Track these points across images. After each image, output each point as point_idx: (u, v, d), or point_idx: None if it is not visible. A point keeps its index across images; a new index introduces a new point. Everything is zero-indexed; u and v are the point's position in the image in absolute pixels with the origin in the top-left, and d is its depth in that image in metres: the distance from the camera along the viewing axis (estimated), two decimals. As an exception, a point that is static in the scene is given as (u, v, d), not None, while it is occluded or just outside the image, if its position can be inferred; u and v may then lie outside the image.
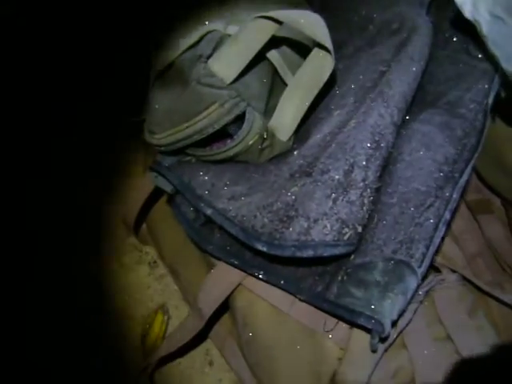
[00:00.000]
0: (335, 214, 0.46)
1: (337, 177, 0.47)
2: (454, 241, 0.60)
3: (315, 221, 0.46)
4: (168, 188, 0.56)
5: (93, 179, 0.80)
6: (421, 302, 0.53)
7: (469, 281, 0.56)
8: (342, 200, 0.47)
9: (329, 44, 0.49)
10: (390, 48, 0.53)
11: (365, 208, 0.47)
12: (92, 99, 0.87)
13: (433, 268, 0.56)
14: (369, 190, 0.48)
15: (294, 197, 0.47)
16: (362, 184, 0.47)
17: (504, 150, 0.59)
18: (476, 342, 0.53)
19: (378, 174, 0.49)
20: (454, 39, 0.57)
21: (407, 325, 0.51)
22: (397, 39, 0.53)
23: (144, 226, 0.73)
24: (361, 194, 0.47)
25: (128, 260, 0.76)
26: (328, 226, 0.46)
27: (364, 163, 0.48)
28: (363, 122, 0.49)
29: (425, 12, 0.55)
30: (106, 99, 0.86)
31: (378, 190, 0.49)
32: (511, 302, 0.54)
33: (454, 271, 0.57)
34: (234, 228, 0.49)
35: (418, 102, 0.54)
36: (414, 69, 0.52)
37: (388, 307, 0.46)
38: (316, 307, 0.50)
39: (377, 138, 0.49)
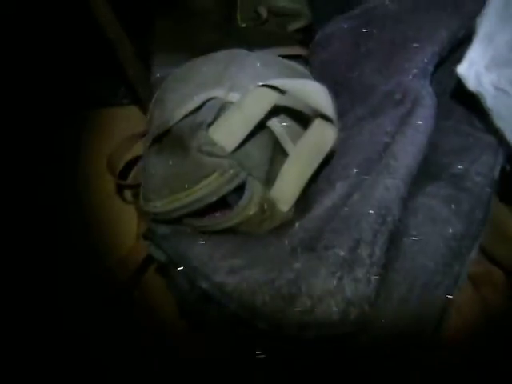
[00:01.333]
0: (340, 292, 0.42)
1: (342, 253, 0.44)
2: (458, 315, 0.57)
3: (319, 299, 0.42)
4: (162, 257, 0.52)
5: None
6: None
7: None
8: (348, 278, 0.43)
9: (332, 114, 0.47)
10: (393, 119, 0.50)
11: (372, 286, 0.43)
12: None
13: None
14: (375, 267, 0.44)
15: (296, 273, 0.44)
16: (368, 261, 0.44)
17: (505, 220, 0.56)
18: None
19: (385, 250, 0.45)
20: (458, 110, 0.55)
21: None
22: (400, 110, 0.51)
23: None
24: (367, 271, 0.43)
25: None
26: (333, 305, 0.42)
27: (370, 239, 0.44)
28: (368, 195, 0.46)
29: (428, 83, 0.53)
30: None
31: (384, 266, 0.45)
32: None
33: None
34: (233, 304, 0.44)
35: (422, 174, 0.51)
36: (419, 141, 0.49)
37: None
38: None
39: (383, 213, 0.45)
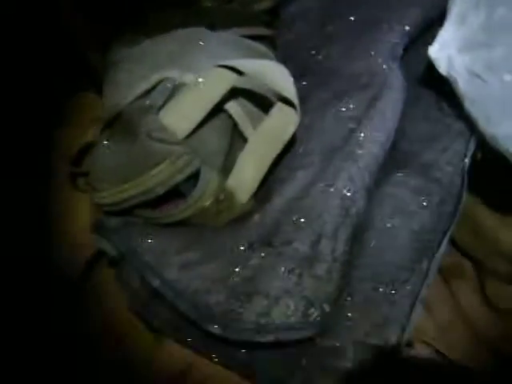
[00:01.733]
0: (300, 291, 0.39)
1: (302, 249, 0.40)
2: (425, 309, 0.54)
3: (277, 299, 0.38)
4: (112, 252, 0.48)
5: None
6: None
7: (443, 355, 0.50)
8: (308, 275, 0.39)
9: (294, 98, 0.43)
10: (360, 103, 0.47)
11: (333, 284, 0.40)
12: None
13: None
14: (338, 264, 0.41)
15: (253, 270, 0.40)
16: (330, 257, 0.40)
17: (477, 213, 0.53)
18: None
19: (349, 245, 0.42)
20: (427, 95, 0.51)
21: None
22: (367, 94, 0.47)
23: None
24: (329, 269, 0.40)
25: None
26: (291, 305, 0.38)
27: (332, 233, 0.41)
28: (331, 186, 0.43)
29: (397, 65, 0.49)
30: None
31: (348, 262, 0.42)
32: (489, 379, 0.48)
33: (427, 344, 0.50)
34: (185, 304, 0.41)
35: (389, 162, 0.48)
36: (387, 127, 0.46)
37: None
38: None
39: (347, 204, 0.42)
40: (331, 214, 0.41)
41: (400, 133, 0.48)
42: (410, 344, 0.50)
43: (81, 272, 0.57)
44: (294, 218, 0.41)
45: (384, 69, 0.48)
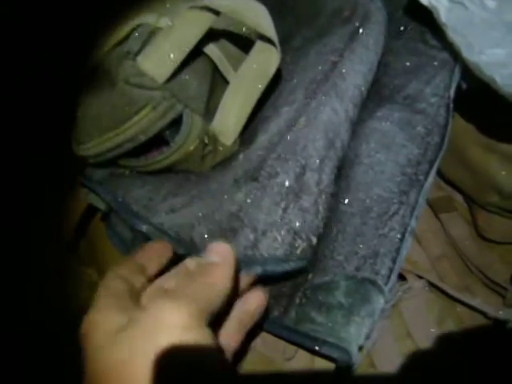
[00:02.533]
0: (286, 223, 0.38)
1: (287, 181, 0.40)
2: (416, 242, 0.54)
3: (263, 232, 0.38)
4: (101, 205, 0.47)
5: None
6: (387, 317, 0.46)
7: (436, 286, 0.50)
8: (294, 207, 0.39)
9: (273, 35, 0.42)
10: (342, 37, 0.45)
11: (320, 216, 0.40)
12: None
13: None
14: (323, 196, 0.40)
15: (238, 205, 0.39)
16: (315, 189, 0.40)
17: (465, 144, 0.53)
18: (447, 353, 0.47)
19: (333, 177, 0.41)
20: (410, 28, 0.50)
21: (375, 343, 0.44)
22: (349, 28, 0.46)
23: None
24: (315, 201, 0.39)
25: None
26: (278, 238, 0.38)
27: (317, 165, 0.40)
28: (315, 118, 0.42)
29: (378, -1, 0.48)
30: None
31: (333, 195, 0.41)
32: (480, 307, 0.49)
33: (419, 277, 0.51)
34: (171, 240, 0.40)
35: (373, 97, 0.47)
36: (369, 58, 0.45)
37: (354, 333, 0.39)
38: (273, 335, 0.43)
39: (331, 136, 0.41)
40: (315, 146, 0.40)
41: (383, 67, 0.47)
42: (402, 277, 0.50)
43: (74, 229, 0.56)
44: (279, 152, 0.41)
45: (365, 2, 0.47)
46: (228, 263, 0.34)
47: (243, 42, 0.45)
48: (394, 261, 0.41)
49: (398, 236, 0.42)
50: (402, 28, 0.50)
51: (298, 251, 0.38)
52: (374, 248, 0.41)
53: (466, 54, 0.44)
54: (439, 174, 0.58)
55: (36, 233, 0.59)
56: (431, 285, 0.50)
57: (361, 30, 0.45)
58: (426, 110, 0.46)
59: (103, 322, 0.29)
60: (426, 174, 0.44)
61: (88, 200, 0.48)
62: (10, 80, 0.60)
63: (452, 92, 0.46)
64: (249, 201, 0.39)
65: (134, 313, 0.30)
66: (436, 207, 0.56)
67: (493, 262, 0.54)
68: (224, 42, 0.46)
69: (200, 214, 0.40)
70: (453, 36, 0.44)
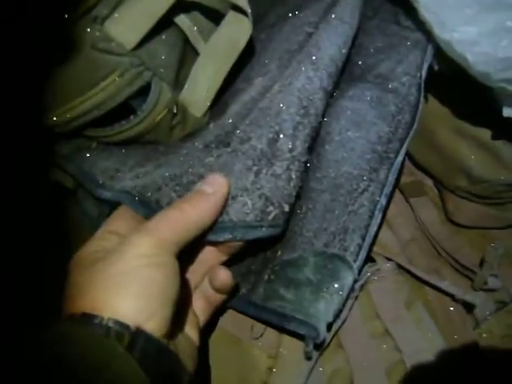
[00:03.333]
0: (258, 189, 0.37)
1: (259, 146, 0.38)
2: (387, 226, 0.53)
3: (234, 197, 0.36)
4: (68, 183, 0.45)
5: None
6: (356, 298, 0.45)
7: (405, 269, 0.50)
8: (266, 173, 0.37)
9: (244, 3, 0.40)
10: (317, 11, 0.44)
11: (292, 184, 0.38)
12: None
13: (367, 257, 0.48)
14: (296, 163, 0.38)
15: (208, 168, 0.38)
16: (288, 155, 0.38)
17: (436, 128, 0.52)
18: (415, 335, 0.46)
19: (307, 145, 0.40)
20: (383, 8, 0.49)
21: (343, 323, 0.43)
22: (324, 2, 0.45)
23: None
24: (287, 167, 0.38)
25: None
26: (249, 203, 0.36)
27: (291, 131, 0.39)
28: (289, 85, 0.40)
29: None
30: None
31: (306, 163, 0.40)
32: (448, 289, 0.48)
33: (389, 259, 0.50)
34: (133, 203, 0.37)
35: (346, 76, 0.46)
36: (345, 31, 0.44)
37: (322, 309, 0.38)
38: (241, 312, 0.41)
39: (305, 104, 0.40)
40: (289, 112, 0.39)
41: (356, 47, 0.47)
42: (372, 260, 0.50)
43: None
44: (251, 118, 0.39)
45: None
46: (218, 197, 0.35)
47: (217, 16, 0.44)
48: (363, 237, 0.40)
49: (368, 213, 0.41)
50: (375, 8, 0.49)
51: (270, 217, 0.36)
52: (343, 224, 0.40)
53: (437, 32, 0.44)
54: (410, 158, 0.57)
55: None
56: (400, 267, 0.50)
57: (336, 3, 0.44)
58: (398, 89, 0.45)
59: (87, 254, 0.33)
60: (397, 152, 0.44)
61: (54, 178, 0.46)
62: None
63: (424, 72, 0.45)
64: (219, 165, 0.37)
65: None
66: (406, 192, 0.55)
67: (462, 245, 0.53)
68: (196, 14, 0.44)
69: (167, 175, 0.38)
70: (425, 14, 0.44)
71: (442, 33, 0.43)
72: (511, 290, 0.50)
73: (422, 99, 0.45)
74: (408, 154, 0.56)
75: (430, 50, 0.46)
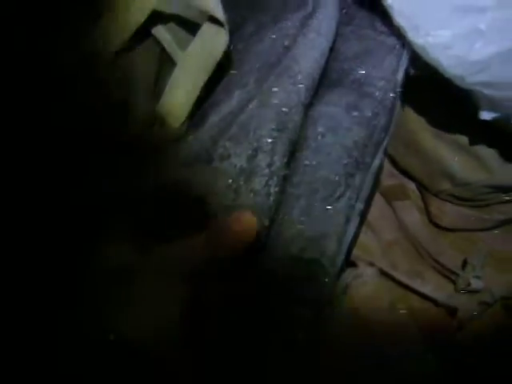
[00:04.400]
0: (238, 206, 0.36)
1: (239, 163, 0.38)
2: (369, 228, 0.53)
3: (215, 216, 0.36)
4: None
5: None
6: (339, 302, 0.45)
7: (387, 273, 0.49)
8: (245, 190, 0.37)
9: (220, 15, 0.40)
10: (295, 22, 0.44)
11: (271, 198, 0.38)
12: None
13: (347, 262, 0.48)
14: (275, 178, 0.38)
15: (188, 187, 0.38)
16: (267, 171, 0.38)
17: (416, 132, 0.52)
18: (397, 339, 0.46)
19: (286, 160, 0.39)
20: (359, 14, 0.49)
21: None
22: (302, 13, 0.45)
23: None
24: (266, 183, 0.38)
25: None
26: None
27: (269, 147, 0.38)
28: (267, 100, 0.40)
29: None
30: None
31: (285, 178, 0.40)
32: (431, 294, 0.48)
33: (370, 264, 0.49)
34: None
35: (323, 82, 0.45)
36: (321, 44, 0.43)
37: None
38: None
39: (283, 119, 0.39)
40: (267, 128, 0.39)
41: (333, 52, 0.46)
42: (354, 264, 0.49)
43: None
44: (231, 133, 0.39)
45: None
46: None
47: (193, 26, 0.44)
48: (339, 242, 0.40)
49: (344, 218, 0.41)
50: (351, 14, 0.49)
51: None
52: (319, 229, 0.40)
53: (412, 36, 0.43)
54: (392, 162, 0.57)
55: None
56: (382, 272, 0.49)
57: (313, 15, 0.44)
58: (374, 93, 0.44)
59: None
60: (373, 157, 0.43)
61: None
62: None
63: (399, 76, 0.45)
64: (199, 183, 0.37)
65: None
66: (389, 195, 0.55)
67: (445, 248, 0.53)
68: (173, 25, 0.44)
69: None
70: (399, 19, 0.43)
71: (416, 37, 0.43)
72: (494, 291, 0.50)
73: (398, 103, 0.45)
74: (390, 158, 0.56)
75: (405, 55, 0.46)
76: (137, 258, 0.33)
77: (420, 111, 0.50)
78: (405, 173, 0.56)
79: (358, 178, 0.42)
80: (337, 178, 0.41)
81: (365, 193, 0.42)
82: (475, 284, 0.49)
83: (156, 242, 0.35)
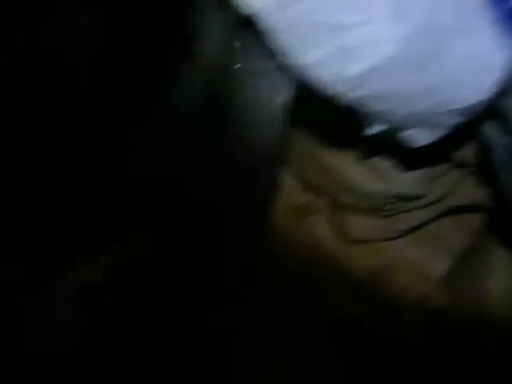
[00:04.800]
0: None
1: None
2: (283, 248, 0.53)
3: None
4: None
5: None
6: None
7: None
8: None
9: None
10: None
11: None
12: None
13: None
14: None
15: None
16: None
17: (316, 148, 0.52)
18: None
19: None
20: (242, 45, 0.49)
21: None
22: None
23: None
24: None
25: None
26: None
27: None
28: None
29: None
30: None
31: None
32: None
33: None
34: None
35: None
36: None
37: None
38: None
39: None
40: None
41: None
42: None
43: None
44: None
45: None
46: None
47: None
48: None
49: None
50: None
51: None
52: None
53: (288, 57, 0.44)
54: (301, 179, 0.57)
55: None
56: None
57: None
58: (256, 118, 0.45)
59: None
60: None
61: None
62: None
63: (282, 98, 0.45)
64: None
65: None
66: (302, 211, 0.55)
67: (355, 260, 0.53)
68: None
69: None
70: (275, 41, 0.44)
71: (293, 58, 0.43)
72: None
73: (284, 123, 0.45)
74: (299, 175, 0.56)
75: (286, 77, 0.46)
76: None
77: (314, 128, 0.51)
78: (313, 189, 0.56)
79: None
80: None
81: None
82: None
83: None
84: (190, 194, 0.40)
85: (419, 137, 0.46)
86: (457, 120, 0.46)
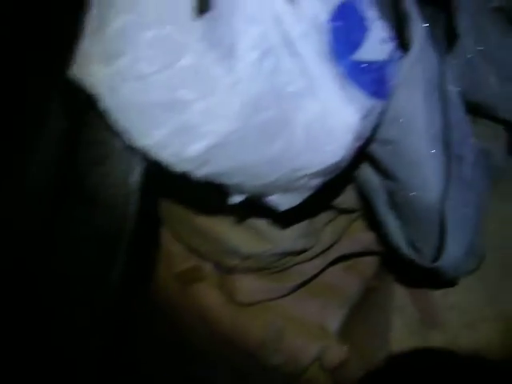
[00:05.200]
0: None
1: None
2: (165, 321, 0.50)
3: None
4: None
5: None
6: None
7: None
8: None
9: None
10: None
11: None
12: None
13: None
14: None
15: None
16: None
17: (189, 216, 0.50)
18: None
19: None
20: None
21: None
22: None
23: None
24: None
25: None
26: None
27: None
28: None
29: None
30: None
31: None
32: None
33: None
34: None
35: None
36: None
37: None
38: None
39: None
40: None
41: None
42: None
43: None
44: None
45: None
46: None
47: None
48: None
49: None
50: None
51: None
52: None
53: (133, 139, 0.41)
54: (185, 245, 0.54)
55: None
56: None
57: None
58: (107, 202, 0.42)
59: None
60: None
61: None
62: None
63: (134, 178, 0.42)
64: None
65: None
66: (186, 278, 0.53)
67: (247, 323, 0.51)
68: None
69: None
70: (119, 123, 0.41)
71: (136, 140, 0.41)
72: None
73: (137, 203, 0.42)
74: (181, 241, 0.53)
75: (137, 157, 0.43)
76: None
77: (185, 194, 0.48)
78: (198, 254, 0.53)
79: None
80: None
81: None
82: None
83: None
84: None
85: (283, 201, 0.44)
86: (317, 181, 0.44)
